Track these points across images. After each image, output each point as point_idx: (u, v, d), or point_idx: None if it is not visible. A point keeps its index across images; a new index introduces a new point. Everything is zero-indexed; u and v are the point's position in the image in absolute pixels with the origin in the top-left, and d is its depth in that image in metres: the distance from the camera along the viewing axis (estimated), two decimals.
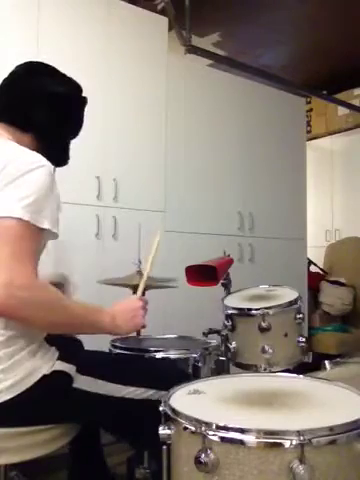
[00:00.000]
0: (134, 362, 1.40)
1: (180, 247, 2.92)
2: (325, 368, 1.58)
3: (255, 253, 3.36)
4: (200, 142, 3.17)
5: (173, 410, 0.93)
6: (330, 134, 4.77)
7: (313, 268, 4.17)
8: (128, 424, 1.23)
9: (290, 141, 3.70)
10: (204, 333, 1.73)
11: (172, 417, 0.92)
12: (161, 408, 0.95)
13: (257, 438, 0.82)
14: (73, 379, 1.19)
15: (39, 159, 1.14)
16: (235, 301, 1.71)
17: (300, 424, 0.83)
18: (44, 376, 1.14)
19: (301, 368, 1.53)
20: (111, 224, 2.66)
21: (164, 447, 0.93)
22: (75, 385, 1.19)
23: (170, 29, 2.92)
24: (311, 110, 4.80)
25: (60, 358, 1.20)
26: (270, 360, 1.56)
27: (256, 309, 1.59)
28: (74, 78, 1.38)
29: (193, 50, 2.81)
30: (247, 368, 1.61)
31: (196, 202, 3.10)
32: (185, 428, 0.88)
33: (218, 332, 1.68)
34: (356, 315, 3.99)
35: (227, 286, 1.80)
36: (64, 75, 1.37)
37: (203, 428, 0.84)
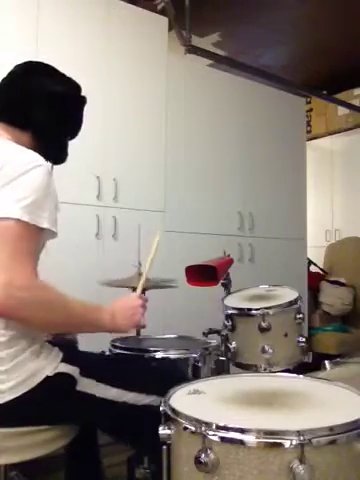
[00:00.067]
0: (134, 364, 1.40)
1: (180, 247, 2.92)
2: (325, 368, 1.58)
3: (255, 253, 3.36)
4: (200, 142, 3.16)
5: (173, 410, 0.93)
6: (330, 134, 4.77)
7: (313, 268, 4.16)
8: (128, 428, 1.23)
9: (290, 141, 3.70)
10: (204, 333, 1.73)
11: (172, 417, 0.92)
12: (161, 408, 0.95)
13: (257, 438, 0.81)
14: (77, 381, 1.18)
15: (36, 159, 1.14)
16: (235, 301, 1.71)
17: (300, 424, 0.83)
18: (47, 377, 1.14)
19: (301, 368, 1.53)
20: (111, 224, 2.65)
21: (164, 447, 0.93)
22: (78, 388, 1.19)
23: (170, 29, 2.92)
24: (311, 110, 4.80)
25: (64, 360, 1.20)
26: (270, 360, 1.56)
27: (256, 309, 1.59)
28: (74, 78, 1.38)
29: (193, 50, 2.81)
30: (247, 368, 1.61)
31: (196, 202, 3.10)
32: (185, 428, 0.88)
33: (218, 332, 1.68)
34: (356, 315, 3.99)
35: (227, 286, 1.80)
36: (63, 75, 1.36)
37: (203, 428, 0.84)
